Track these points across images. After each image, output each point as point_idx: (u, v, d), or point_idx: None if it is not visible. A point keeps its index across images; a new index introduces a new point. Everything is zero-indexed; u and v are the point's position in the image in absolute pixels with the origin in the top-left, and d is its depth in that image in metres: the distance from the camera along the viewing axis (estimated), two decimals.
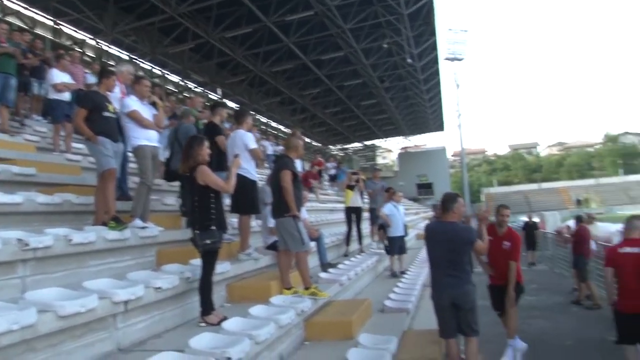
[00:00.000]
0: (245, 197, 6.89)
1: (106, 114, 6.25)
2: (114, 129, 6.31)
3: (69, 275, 4.94)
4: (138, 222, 6.18)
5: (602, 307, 11.44)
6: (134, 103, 6.61)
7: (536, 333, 9.39)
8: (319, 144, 54.25)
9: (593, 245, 13.09)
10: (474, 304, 5.12)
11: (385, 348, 5.42)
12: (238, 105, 33.51)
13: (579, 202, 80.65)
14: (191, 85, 31.94)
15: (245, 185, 6.75)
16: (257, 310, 5.28)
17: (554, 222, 24.21)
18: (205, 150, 5.36)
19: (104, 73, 6.77)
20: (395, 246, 10.78)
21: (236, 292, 6.31)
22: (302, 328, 5.83)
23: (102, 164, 6.07)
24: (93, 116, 6.13)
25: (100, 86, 6.54)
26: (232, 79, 32.43)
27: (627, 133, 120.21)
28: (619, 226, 16.73)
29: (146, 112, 6.71)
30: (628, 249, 6.77)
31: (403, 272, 10.57)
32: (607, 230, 17.43)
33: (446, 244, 5.09)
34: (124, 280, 4.84)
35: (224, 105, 8.28)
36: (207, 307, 5.07)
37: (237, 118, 7.48)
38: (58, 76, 9.55)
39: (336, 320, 6.05)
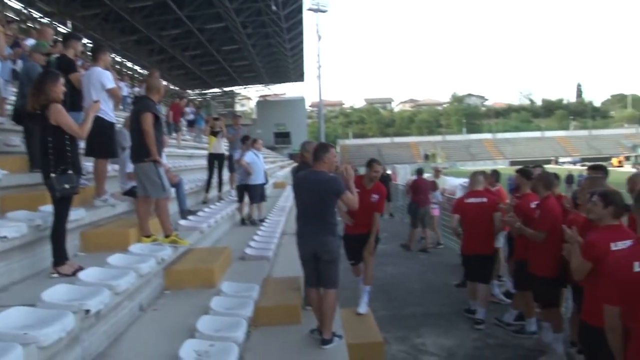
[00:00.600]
0: (102, 140, 6.43)
1: None
2: None
3: None
4: None
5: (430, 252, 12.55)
6: None
7: (385, 278, 9.99)
8: (177, 88, 52.29)
9: (439, 197, 14.11)
10: (335, 256, 5.05)
11: (248, 295, 5.43)
12: (91, 42, 31.16)
13: (426, 157, 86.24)
14: (36, 14, 29.02)
15: (102, 128, 6.28)
16: (115, 259, 5.02)
17: (405, 174, 25.61)
18: (60, 88, 4.88)
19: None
20: (257, 194, 10.76)
21: (91, 240, 5.94)
22: (162, 277, 5.66)
23: None
24: None
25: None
26: (85, 12, 29.84)
27: (470, 95, 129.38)
28: (462, 180, 18.15)
29: None
30: (472, 199, 7.58)
31: (262, 220, 10.62)
32: (452, 183, 18.78)
33: (313, 194, 5.00)
34: None
35: (79, 38, 7.51)
36: (60, 256, 4.71)
37: (94, 54, 6.89)
38: None
39: (197, 269, 5.92)
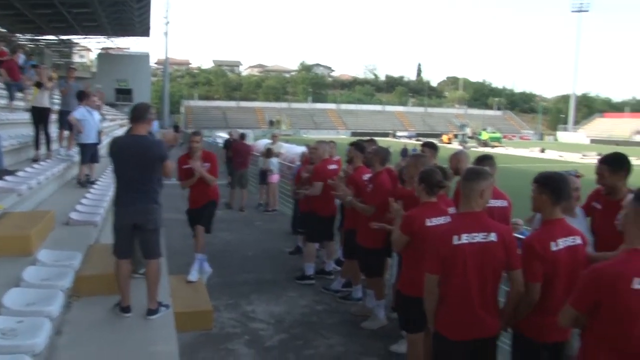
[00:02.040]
0: None
1: None
2: None
3: None
4: None
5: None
6: None
7: (221, 245, 9.94)
8: (4, 30, 47.13)
9: (275, 163, 14.36)
10: (158, 225, 4.90)
11: (69, 264, 5.10)
12: None
13: (271, 123, 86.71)
14: None
15: None
16: None
17: (249, 140, 25.51)
18: None
19: None
20: (87, 154, 10.06)
21: None
22: None
23: None
24: None
25: None
26: None
27: (318, 64, 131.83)
28: (303, 148, 18.51)
29: None
30: (332, 166, 8.09)
31: (92, 182, 9.99)
32: (293, 151, 19.10)
33: (136, 160, 4.70)
34: None
35: None
36: None
37: None
38: None
39: (11, 235, 5.38)
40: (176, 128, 34.19)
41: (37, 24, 48.43)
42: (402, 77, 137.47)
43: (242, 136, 15.91)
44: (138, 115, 4.82)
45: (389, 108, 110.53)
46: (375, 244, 6.30)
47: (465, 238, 3.52)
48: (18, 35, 50.96)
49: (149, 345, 4.33)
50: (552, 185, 3.61)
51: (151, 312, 4.80)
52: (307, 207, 8.34)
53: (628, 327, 2.74)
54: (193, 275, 7.25)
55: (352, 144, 7.53)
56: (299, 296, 7.46)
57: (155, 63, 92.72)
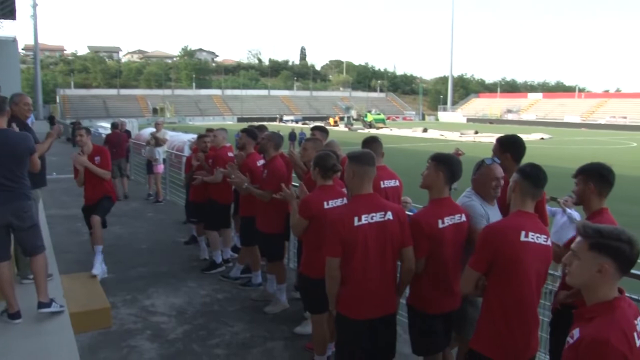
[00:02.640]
0: None
1: None
2: None
3: None
4: None
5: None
6: None
7: (112, 239, 9.60)
8: None
9: (161, 152, 14.01)
10: (36, 220, 4.74)
11: None
12: None
13: (155, 111, 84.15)
14: None
15: None
16: None
17: (132, 129, 24.54)
18: None
19: None
20: None
21: None
22: None
23: None
24: None
25: None
26: None
27: (201, 50, 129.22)
28: (190, 136, 18.21)
29: None
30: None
31: None
32: (179, 139, 18.72)
33: (4, 155, 4.47)
34: None
35: None
36: None
37: None
38: None
39: None
40: (52, 119, 32.35)
41: None
42: (286, 62, 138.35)
43: (115, 125, 15.80)
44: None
45: (274, 92, 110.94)
46: (275, 229, 6.37)
47: (364, 219, 3.65)
48: None
49: (46, 351, 4.15)
50: (450, 166, 3.85)
51: (43, 305, 4.62)
52: (203, 195, 8.23)
53: (518, 280, 3.18)
54: (97, 269, 7.10)
55: (244, 131, 7.50)
56: (198, 286, 7.37)
57: (24, 49, 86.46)
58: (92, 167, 7.21)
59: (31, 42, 61.88)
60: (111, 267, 7.74)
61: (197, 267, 8.23)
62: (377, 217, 3.70)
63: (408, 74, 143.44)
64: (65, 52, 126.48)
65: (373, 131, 55.10)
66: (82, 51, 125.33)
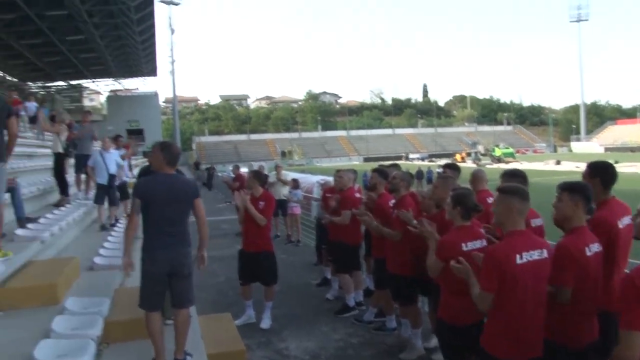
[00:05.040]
0: None
1: None
2: None
3: None
4: None
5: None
6: None
7: None
8: (16, 79, 47.86)
9: (300, 195, 14.19)
10: (192, 269, 4.63)
11: (97, 311, 4.96)
12: None
13: (283, 154, 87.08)
14: None
15: None
16: None
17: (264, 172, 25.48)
18: None
19: None
20: (102, 196, 10.01)
21: None
22: None
23: None
24: None
25: None
26: None
27: (325, 93, 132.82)
28: (319, 177, 18.40)
29: None
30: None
31: (113, 225, 9.92)
32: (309, 180, 18.99)
33: (171, 200, 4.46)
34: None
35: None
36: None
37: None
38: None
39: (37, 284, 5.26)
40: (197, 165, 35.63)
41: (47, 72, 49.28)
42: (409, 99, 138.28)
43: (237, 167, 17.33)
44: (175, 156, 4.63)
45: (398, 131, 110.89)
46: (405, 270, 6.13)
47: (525, 257, 3.53)
48: (29, 83, 51.75)
49: None
50: (585, 191, 3.75)
51: None
52: (334, 236, 8.18)
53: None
54: (265, 323, 7.42)
55: (375, 170, 7.39)
56: (332, 330, 7.25)
57: (164, 102, 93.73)
58: (250, 208, 7.25)
59: (170, 95, 67.07)
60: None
61: (330, 309, 8.13)
62: (535, 255, 3.57)
63: (535, 105, 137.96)
64: (199, 102, 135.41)
65: (502, 166, 53.03)
66: (214, 100, 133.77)
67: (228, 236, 14.22)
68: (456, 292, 4.24)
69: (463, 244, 4.31)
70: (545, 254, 3.61)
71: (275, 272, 7.64)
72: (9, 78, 46.33)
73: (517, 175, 5.15)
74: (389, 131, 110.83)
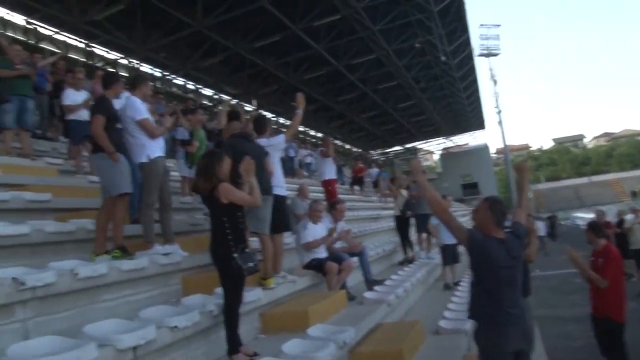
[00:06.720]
0: (277, 215, 6.17)
1: (119, 125, 5.65)
2: (123, 144, 5.69)
3: (78, 314, 4.33)
4: (158, 247, 5.53)
5: None
6: (143, 108, 5.79)
7: None
8: (359, 150, 53.32)
9: None
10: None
11: None
12: (274, 115, 32.91)
13: (634, 194, 77.06)
14: (225, 97, 31.37)
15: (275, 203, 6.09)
16: (291, 346, 4.50)
17: (612, 217, 22.54)
18: (226, 167, 4.71)
19: (137, 80, 6.14)
20: (448, 255, 9.91)
21: (269, 322, 5.51)
22: None
23: (118, 185, 5.41)
24: (106, 128, 5.44)
25: (109, 92, 5.88)
26: (265, 90, 31.77)
27: None
28: None
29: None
30: None
31: (456, 284, 9.71)
32: None
33: (519, 263, 3.89)
34: (136, 320, 4.16)
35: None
36: (233, 344, 4.35)
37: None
38: (69, 96, 8.94)
39: (384, 351, 5.14)
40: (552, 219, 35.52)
41: (385, 139, 53.95)
42: None
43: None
44: (504, 216, 4.04)
45: None
46: None
47: None
48: (371, 152, 57.13)
49: None
50: None
51: None
52: None
53: None
54: None
55: None
56: None
57: (495, 153, 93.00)
58: (588, 271, 6.24)
59: (500, 145, 66.38)
60: None
61: None
62: None
63: None
64: (531, 148, 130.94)
65: None
66: (547, 145, 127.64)
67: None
68: None
69: None
70: None
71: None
72: (354, 150, 51.76)
73: None
74: None
